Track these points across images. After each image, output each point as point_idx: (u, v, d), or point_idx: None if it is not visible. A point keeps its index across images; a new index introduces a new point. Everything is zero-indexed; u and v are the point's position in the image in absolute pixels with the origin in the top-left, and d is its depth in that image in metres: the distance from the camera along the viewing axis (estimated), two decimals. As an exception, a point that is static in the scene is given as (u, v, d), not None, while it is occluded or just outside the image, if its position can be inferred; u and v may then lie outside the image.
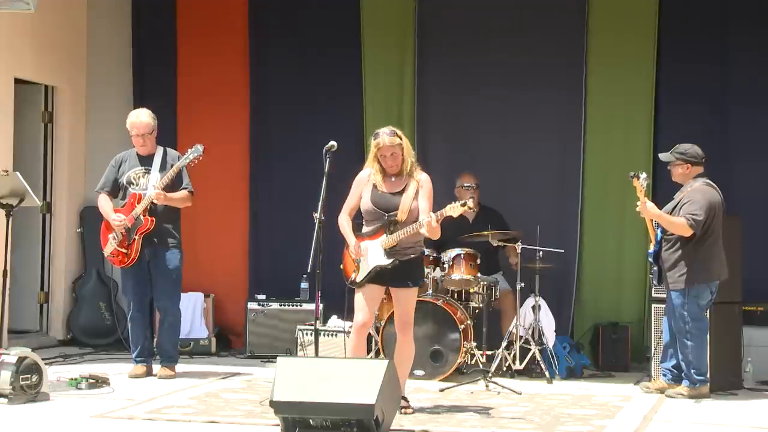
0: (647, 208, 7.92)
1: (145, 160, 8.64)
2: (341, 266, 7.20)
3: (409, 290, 7.07)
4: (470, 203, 6.80)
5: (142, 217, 8.45)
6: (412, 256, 7.05)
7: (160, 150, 8.69)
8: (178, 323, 8.83)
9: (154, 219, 8.48)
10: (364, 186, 7.09)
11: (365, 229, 7.10)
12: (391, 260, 6.92)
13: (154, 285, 8.65)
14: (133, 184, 8.60)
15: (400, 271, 6.99)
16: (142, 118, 8.63)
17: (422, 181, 7.05)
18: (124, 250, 8.52)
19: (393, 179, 7.06)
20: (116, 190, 8.69)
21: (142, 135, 8.59)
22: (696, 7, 9.78)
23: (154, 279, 8.63)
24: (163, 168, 8.59)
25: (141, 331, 8.69)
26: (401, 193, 7.01)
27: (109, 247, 8.60)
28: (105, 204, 8.66)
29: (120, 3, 11.03)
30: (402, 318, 7.09)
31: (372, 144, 7.04)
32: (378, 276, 6.99)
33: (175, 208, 8.64)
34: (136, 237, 8.48)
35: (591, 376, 9.06)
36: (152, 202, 8.44)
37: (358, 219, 7.20)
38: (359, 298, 7.04)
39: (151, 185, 8.50)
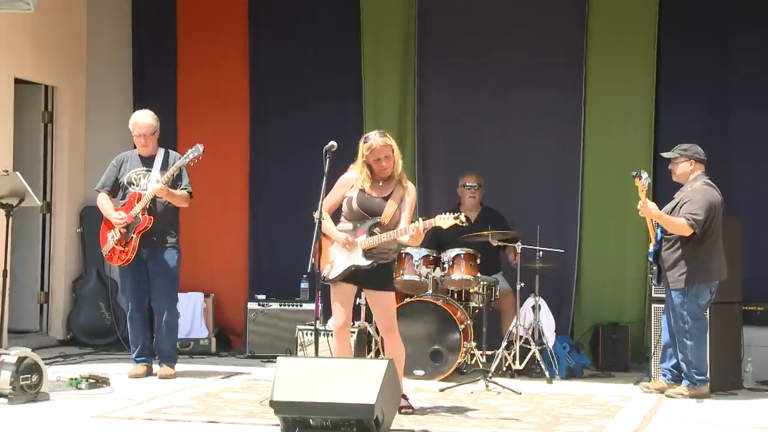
0: (648, 208, 7.93)
1: (147, 161, 8.66)
2: (313, 259, 7.08)
3: (386, 294, 7.05)
4: (462, 217, 6.76)
5: (140, 215, 8.47)
6: (388, 260, 7.06)
7: (161, 151, 8.71)
8: (176, 323, 8.83)
9: (152, 218, 8.49)
10: (350, 188, 7.06)
11: (344, 225, 7.06)
12: (369, 262, 6.90)
13: (151, 284, 8.65)
14: (133, 184, 8.61)
15: (376, 275, 6.97)
16: (144, 118, 8.66)
17: (409, 189, 7.04)
18: (121, 248, 8.53)
19: (381, 183, 7.02)
20: (116, 189, 8.70)
21: (144, 135, 8.61)
22: (696, 7, 9.78)
23: (151, 278, 8.63)
24: (164, 169, 8.60)
25: (140, 331, 8.69)
26: (388, 197, 6.98)
27: (108, 245, 8.61)
28: (105, 203, 8.68)
29: (120, 3, 11.03)
30: (384, 322, 7.07)
31: (362, 148, 6.98)
32: (352, 276, 6.97)
33: (174, 209, 8.66)
34: (134, 235, 8.49)
35: (591, 376, 9.06)
36: (151, 202, 8.46)
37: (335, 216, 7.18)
38: (335, 300, 7.03)
39: (152, 184, 8.51)
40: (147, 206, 8.47)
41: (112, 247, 8.58)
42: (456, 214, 6.75)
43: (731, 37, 9.71)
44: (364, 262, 6.91)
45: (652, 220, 8.10)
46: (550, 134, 10.12)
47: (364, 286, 7.11)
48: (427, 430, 6.59)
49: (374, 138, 6.96)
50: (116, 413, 6.97)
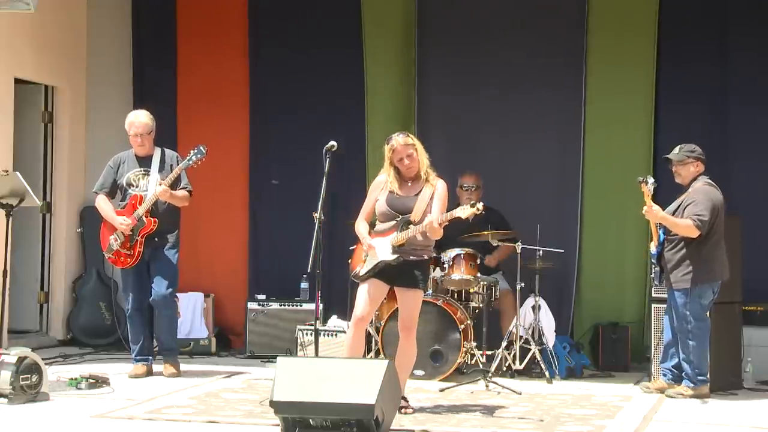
0: (653, 211, 7.91)
1: (144, 162, 8.67)
2: (349, 260, 7.21)
3: (413, 292, 7.07)
4: (479, 206, 6.81)
5: (144, 218, 8.49)
6: (422, 258, 7.07)
7: (158, 151, 8.72)
8: (175, 317, 8.88)
9: (156, 220, 8.50)
10: (380, 190, 7.12)
11: (378, 226, 7.13)
12: (395, 256, 6.93)
13: (153, 283, 8.66)
14: (132, 185, 8.63)
15: (406, 272, 7.00)
16: (140, 118, 8.67)
17: (438, 186, 7.10)
18: (127, 252, 8.55)
19: (410, 183, 7.09)
20: (114, 191, 8.72)
21: (140, 135, 8.61)
22: (696, 7, 9.77)
23: (152, 276, 8.66)
24: (162, 169, 8.62)
25: (140, 330, 8.70)
26: (416, 196, 7.04)
27: (111, 248, 8.61)
28: (105, 205, 8.68)
29: (120, 3, 11.03)
30: (405, 321, 7.09)
31: (386, 150, 7.08)
32: (383, 273, 7.00)
33: (175, 209, 8.68)
34: (139, 238, 8.52)
35: (591, 376, 9.06)
36: (154, 204, 8.47)
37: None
38: (361, 291, 7.06)
39: (152, 185, 8.52)
40: (150, 208, 8.49)
41: (116, 250, 8.59)
42: (472, 203, 6.83)
43: (731, 37, 9.71)
44: (391, 257, 6.94)
45: (656, 223, 8.09)
46: (550, 134, 10.12)
47: (393, 284, 7.10)
48: (427, 430, 6.58)
49: (396, 139, 7.07)
50: (116, 413, 6.97)
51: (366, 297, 7.02)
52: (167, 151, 8.78)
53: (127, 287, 8.77)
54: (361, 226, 7.15)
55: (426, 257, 7.13)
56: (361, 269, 7.07)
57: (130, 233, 8.52)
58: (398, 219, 7.00)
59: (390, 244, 6.96)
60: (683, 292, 7.96)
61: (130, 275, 8.70)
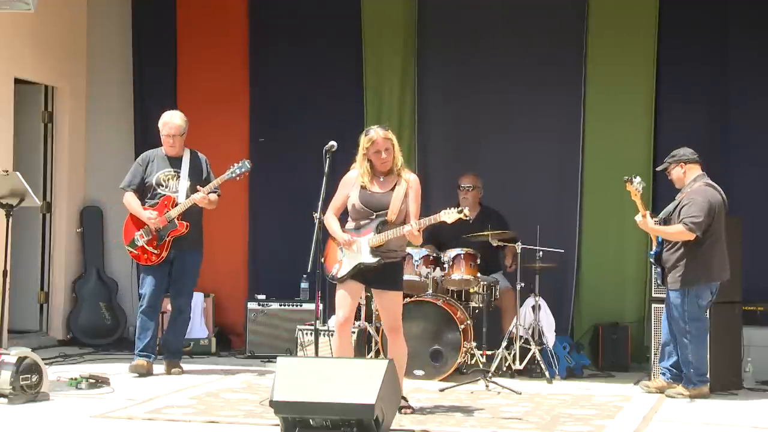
0: (647, 222, 7.91)
1: (174, 162, 8.73)
2: (322, 260, 7.12)
3: (394, 293, 7.03)
4: (466, 211, 6.76)
5: (176, 221, 8.52)
6: (396, 259, 7.03)
7: (187, 152, 8.78)
8: (188, 322, 9.00)
9: (189, 224, 8.55)
10: (352, 187, 7.06)
11: (351, 225, 7.06)
12: (376, 259, 6.89)
13: (175, 283, 8.76)
14: (162, 185, 8.68)
15: (384, 274, 6.95)
16: (174, 120, 8.73)
17: (411, 181, 7.00)
18: (153, 250, 8.59)
19: (382, 179, 7.02)
20: (142, 189, 8.74)
21: (172, 135, 8.68)
22: (696, 7, 9.77)
23: (175, 277, 8.74)
24: (192, 171, 8.69)
25: (149, 327, 8.72)
26: (390, 192, 6.97)
27: (135, 243, 8.63)
28: (133, 201, 8.72)
29: (120, 3, 11.03)
30: (390, 323, 7.05)
31: (363, 141, 6.99)
32: (359, 274, 6.96)
33: (200, 211, 8.75)
34: (168, 239, 8.56)
35: (591, 376, 9.06)
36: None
37: (344, 217, 7.17)
38: (340, 295, 6.99)
39: (182, 188, 8.58)
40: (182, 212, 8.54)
41: (141, 246, 8.61)
42: (459, 209, 6.76)
43: (731, 37, 9.71)
44: (371, 260, 6.89)
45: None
46: (550, 134, 10.11)
47: (371, 285, 7.07)
48: (427, 430, 6.59)
49: (375, 131, 6.98)
50: (116, 413, 6.97)
51: (347, 300, 6.97)
52: (199, 154, 8.84)
53: (145, 284, 8.77)
54: (333, 223, 7.03)
55: (401, 258, 7.09)
56: (339, 271, 7.00)
57: (159, 233, 8.54)
58: (373, 218, 6.95)
59: (368, 245, 6.91)
60: (680, 292, 7.97)
61: (151, 273, 8.73)
